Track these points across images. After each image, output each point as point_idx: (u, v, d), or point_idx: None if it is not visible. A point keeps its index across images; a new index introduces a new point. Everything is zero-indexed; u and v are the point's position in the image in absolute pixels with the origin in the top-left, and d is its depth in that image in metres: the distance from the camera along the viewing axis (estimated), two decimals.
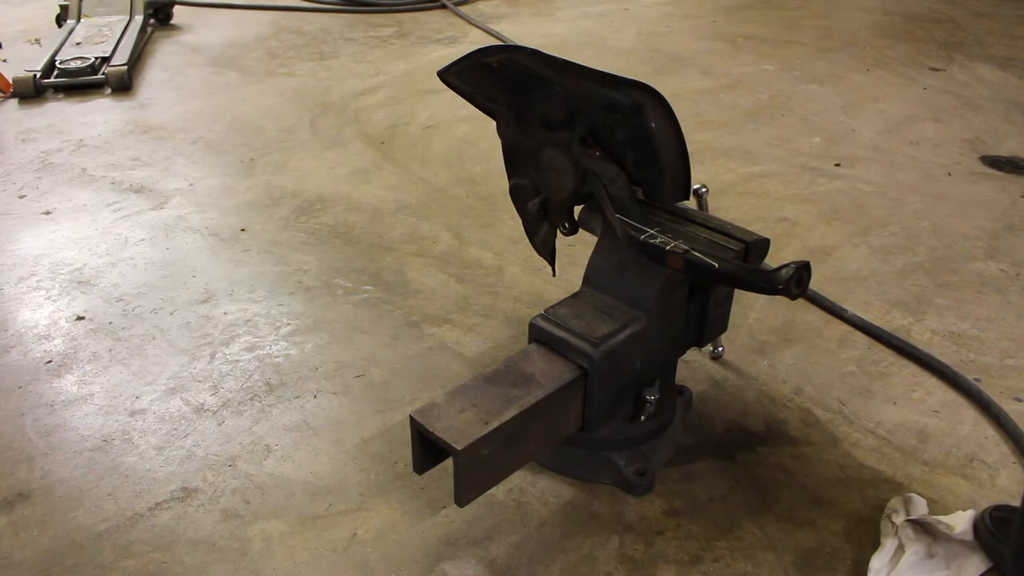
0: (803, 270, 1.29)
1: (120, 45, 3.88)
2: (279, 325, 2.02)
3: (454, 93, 1.67)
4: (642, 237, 1.42)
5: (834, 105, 3.45)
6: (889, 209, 2.58)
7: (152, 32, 4.39)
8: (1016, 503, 1.24)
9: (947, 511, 1.47)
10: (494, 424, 1.28)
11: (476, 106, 1.70)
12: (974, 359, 1.90)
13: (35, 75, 3.51)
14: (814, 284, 1.41)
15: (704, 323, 1.61)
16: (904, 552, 1.35)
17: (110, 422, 1.72)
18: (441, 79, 1.63)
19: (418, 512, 1.50)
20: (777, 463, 1.61)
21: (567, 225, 1.69)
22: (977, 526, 1.36)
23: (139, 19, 4.24)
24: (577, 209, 1.66)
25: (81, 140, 3.10)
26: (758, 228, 1.55)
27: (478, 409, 1.31)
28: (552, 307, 1.49)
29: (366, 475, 1.58)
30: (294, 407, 1.75)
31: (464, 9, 4.84)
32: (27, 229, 2.48)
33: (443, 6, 4.89)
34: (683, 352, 1.67)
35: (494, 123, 1.70)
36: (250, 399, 1.78)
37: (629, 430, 1.56)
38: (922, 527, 1.38)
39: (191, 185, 2.76)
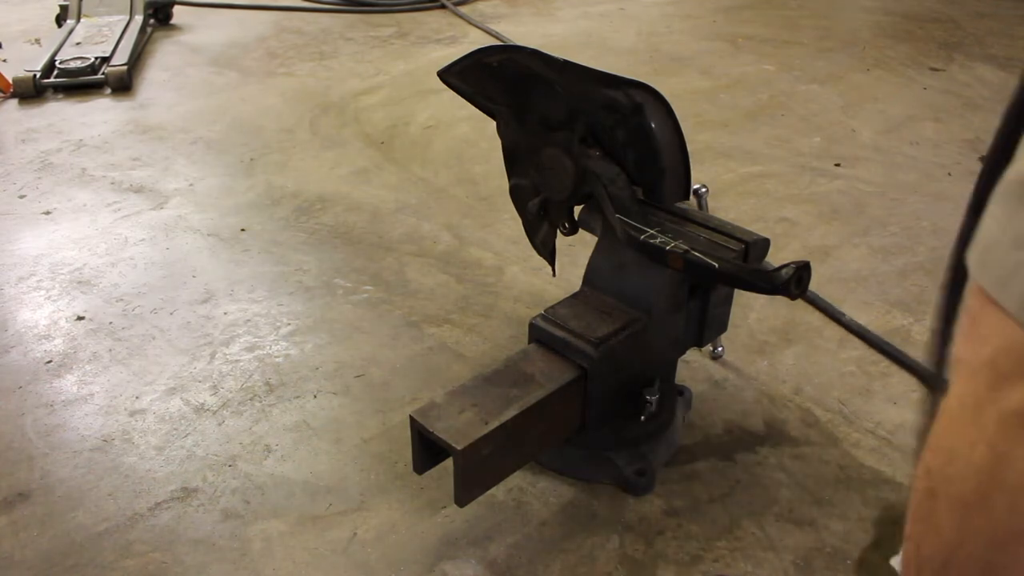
0: (803, 270, 1.30)
1: (120, 45, 3.88)
2: (279, 325, 2.02)
3: (454, 93, 1.67)
4: (642, 237, 1.42)
5: (834, 105, 3.45)
6: (889, 209, 2.58)
7: (152, 32, 4.39)
8: None
9: None
10: (494, 424, 1.28)
11: (476, 106, 1.70)
12: None
13: (35, 75, 3.50)
14: (814, 284, 1.41)
15: (704, 323, 1.61)
16: None
17: (110, 422, 1.72)
18: (441, 79, 1.63)
19: (418, 512, 1.50)
20: (777, 463, 1.61)
21: (567, 225, 1.69)
22: None
23: (139, 19, 4.24)
24: (577, 209, 1.66)
25: (81, 140, 3.10)
26: (758, 228, 1.55)
27: (478, 409, 1.31)
28: (552, 307, 1.49)
29: (366, 475, 1.58)
30: (294, 407, 1.75)
31: (464, 9, 4.84)
32: (27, 229, 2.48)
33: (442, 6, 4.88)
34: (683, 352, 1.67)
35: (494, 123, 1.70)
36: (250, 399, 1.78)
37: (629, 430, 1.56)
38: None
39: (191, 185, 2.76)
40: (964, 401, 0.67)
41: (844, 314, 2.03)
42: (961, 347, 0.70)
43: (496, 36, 4.29)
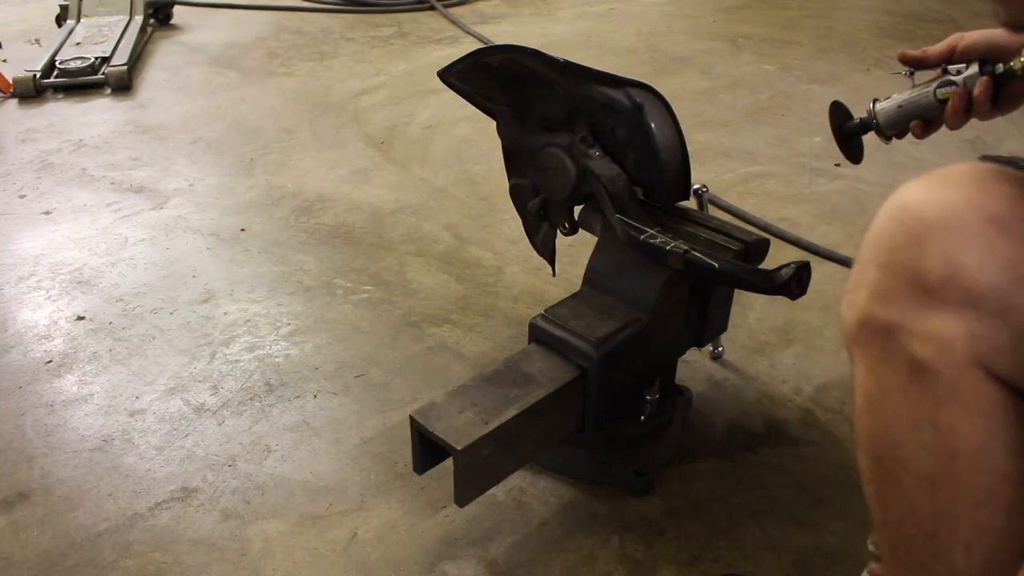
0: (803, 270, 1.30)
1: (120, 45, 3.87)
2: (279, 325, 2.02)
3: (454, 93, 1.67)
4: (642, 237, 1.42)
5: None
6: None
7: (152, 32, 4.39)
8: None
9: None
10: (494, 424, 1.28)
11: (476, 106, 1.70)
12: None
13: (35, 75, 3.50)
14: (813, 285, 1.42)
15: (704, 323, 1.61)
16: None
17: (110, 422, 1.72)
18: (441, 79, 1.63)
19: (418, 512, 1.50)
20: (777, 463, 1.61)
21: (567, 225, 1.69)
22: None
23: (139, 19, 4.24)
24: (577, 209, 1.66)
25: (81, 140, 3.10)
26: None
27: (478, 409, 1.31)
28: (552, 307, 1.49)
29: (366, 475, 1.58)
30: (294, 407, 1.75)
31: (464, 9, 4.83)
32: (27, 229, 2.48)
33: (432, 7, 4.82)
34: (683, 352, 1.67)
35: (494, 123, 1.70)
36: (250, 399, 1.78)
37: (629, 430, 1.56)
38: None
39: (191, 185, 2.76)
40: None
41: None
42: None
43: (481, 39, 4.25)
